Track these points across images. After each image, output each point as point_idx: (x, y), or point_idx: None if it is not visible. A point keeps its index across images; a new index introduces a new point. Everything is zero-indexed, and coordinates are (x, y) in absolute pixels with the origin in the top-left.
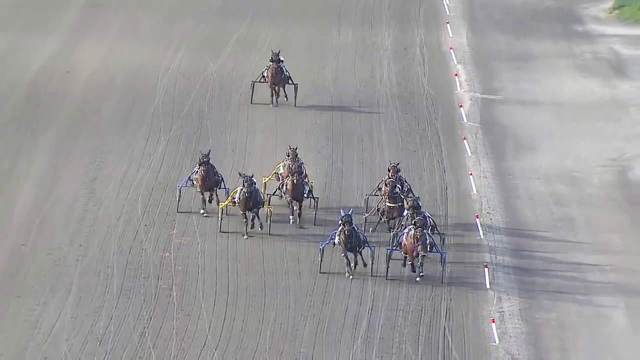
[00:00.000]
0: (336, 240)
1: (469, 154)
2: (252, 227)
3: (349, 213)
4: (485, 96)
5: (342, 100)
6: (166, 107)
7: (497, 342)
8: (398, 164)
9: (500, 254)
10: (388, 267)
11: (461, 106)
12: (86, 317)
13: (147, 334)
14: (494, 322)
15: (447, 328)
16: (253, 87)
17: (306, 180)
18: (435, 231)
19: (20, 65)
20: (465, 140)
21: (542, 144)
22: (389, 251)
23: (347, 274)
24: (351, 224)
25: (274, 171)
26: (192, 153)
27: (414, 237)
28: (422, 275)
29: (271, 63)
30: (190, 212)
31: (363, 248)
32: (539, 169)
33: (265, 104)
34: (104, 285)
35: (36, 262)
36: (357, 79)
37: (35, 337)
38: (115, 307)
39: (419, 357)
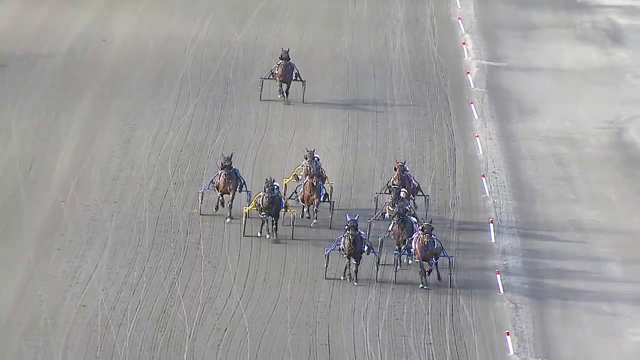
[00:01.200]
0: (341, 246)
1: (476, 117)
2: (276, 229)
3: (355, 218)
4: (490, 63)
5: (357, 67)
6: (194, 73)
7: (502, 291)
8: (405, 162)
9: (505, 211)
10: (396, 272)
11: (468, 73)
12: (120, 269)
13: (176, 284)
14: (498, 273)
15: (455, 280)
16: (262, 84)
17: (326, 182)
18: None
19: (58, 35)
20: (472, 105)
21: (544, 107)
22: (396, 255)
23: (346, 278)
24: (356, 229)
25: (294, 173)
26: (219, 117)
27: (422, 242)
28: (426, 287)
29: (281, 60)
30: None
31: (368, 254)
32: (540, 131)
33: (274, 100)
34: (136, 239)
35: (74, 218)
36: (371, 48)
37: (73, 287)
38: (147, 260)
39: (429, 305)
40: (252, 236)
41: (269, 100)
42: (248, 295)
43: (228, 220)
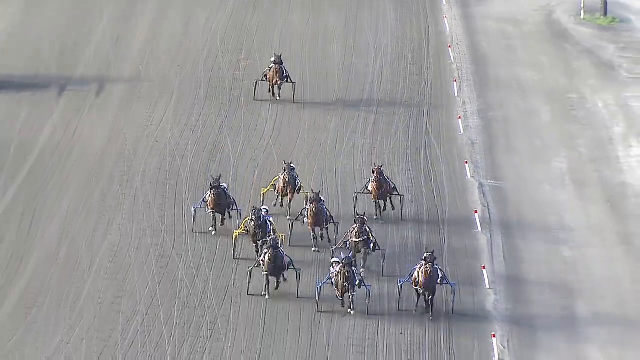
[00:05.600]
0: (334, 281)
1: (444, 4)
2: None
3: (349, 256)
4: None
5: None
6: None
7: (462, 132)
8: (382, 165)
9: (465, 72)
10: (400, 299)
11: None
12: (183, 114)
13: (224, 126)
14: (460, 118)
15: (427, 123)
16: (256, 85)
17: (302, 191)
18: (292, 267)
19: None
20: None
21: None
22: (400, 282)
23: (348, 310)
24: (351, 265)
25: (272, 183)
26: (254, 4)
27: (425, 272)
28: (431, 317)
29: (274, 64)
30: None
31: (359, 287)
32: (493, 13)
33: (266, 100)
34: (194, 92)
35: (149, 77)
36: None
37: (149, 127)
38: (203, 108)
39: (409, 142)
40: (243, 259)
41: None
42: (276, 135)
43: (213, 233)
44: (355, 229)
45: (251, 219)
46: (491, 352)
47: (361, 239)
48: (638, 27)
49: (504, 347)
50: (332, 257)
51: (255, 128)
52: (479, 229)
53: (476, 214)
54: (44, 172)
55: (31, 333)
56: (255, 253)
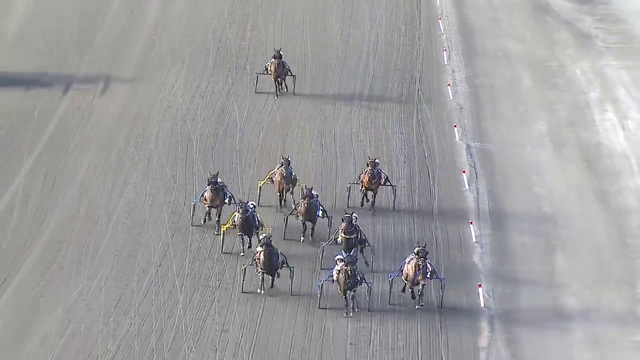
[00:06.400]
0: (335, 278)
1: None
2: (250, 247)
3: (352, 254)
4: None
5: None
6: None
7: (451, 98)
8: (376, 158)
9: (454, 42)
10: (391, 292)
11: None
12: (193, 81)
13: (231, 92)
14: (449, 85)
15: (419, 90)
16: (257, 79)
17: (298, 184)
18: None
19: None
20: None
21: None
22: (391, 277)
23: (345, 314)
24: (354, 264)
25: (268, 176)
26: None
27: (415, 265)
28: (422, 305)
29: (274, 59)
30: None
31: (360, 284)
32: None
33: (267, 92)
34: (204, 60)
35: (162, 48)
36: None
37: (162, 93)
38: (211, 75)
39: (402, 107)
40: (230, 253)
41: None
42: (279, 100)
43: (216, 233)
44: (344, 225)
45: (238, 212)
46: (477, 300)
47: (351, 236)
48: (613, 0)
49: (489, 296)
50: (323, 253)
51: (260, 93)
52: (467, 187)
53: (464, 174)
54: (65, 135)
55: (54, 282)
56: (240, 247)
